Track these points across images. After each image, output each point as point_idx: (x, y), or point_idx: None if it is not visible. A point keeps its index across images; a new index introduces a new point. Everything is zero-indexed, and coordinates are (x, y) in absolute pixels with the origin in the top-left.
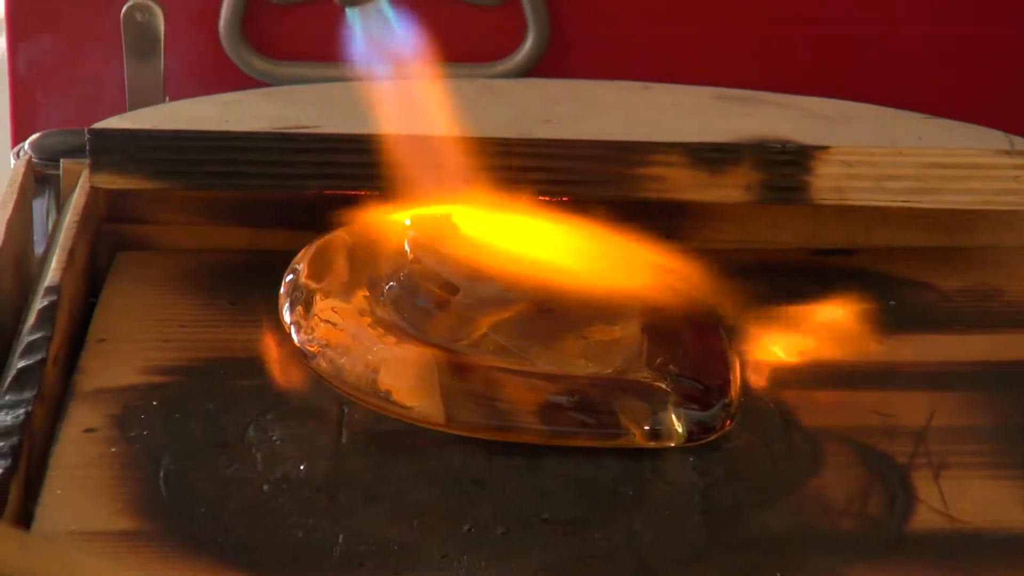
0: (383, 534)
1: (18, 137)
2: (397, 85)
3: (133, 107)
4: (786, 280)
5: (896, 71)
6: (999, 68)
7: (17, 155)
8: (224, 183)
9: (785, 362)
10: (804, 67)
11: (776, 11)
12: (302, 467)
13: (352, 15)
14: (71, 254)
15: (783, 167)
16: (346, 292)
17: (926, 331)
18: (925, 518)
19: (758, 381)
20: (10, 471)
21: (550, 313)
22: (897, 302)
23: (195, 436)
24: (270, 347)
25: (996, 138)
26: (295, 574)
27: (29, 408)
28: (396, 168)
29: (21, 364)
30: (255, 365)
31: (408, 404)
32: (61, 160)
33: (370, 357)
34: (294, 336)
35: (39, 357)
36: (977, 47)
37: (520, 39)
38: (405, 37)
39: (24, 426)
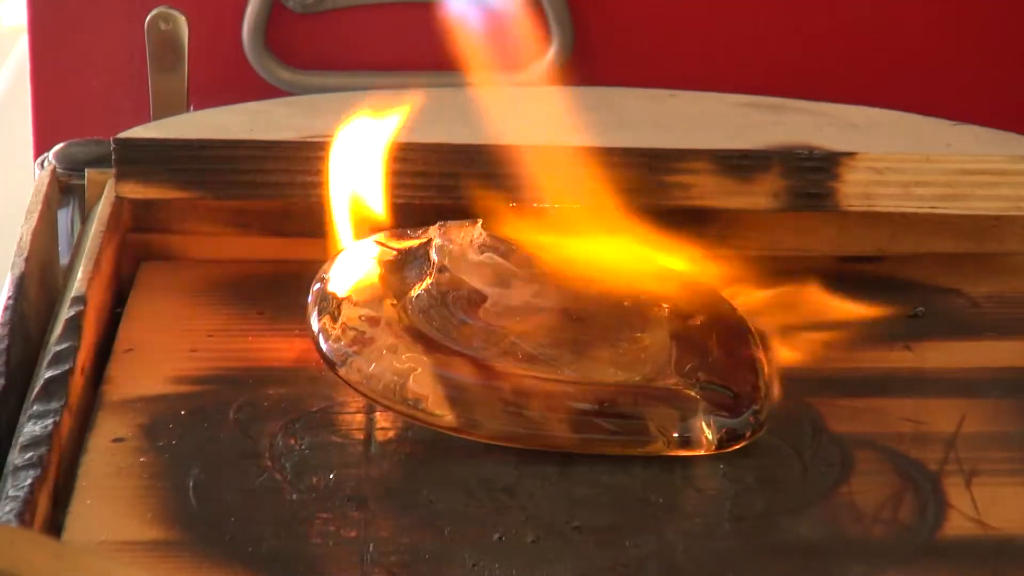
0: (413, 543)
1: (42, 147)
2: (421, 93)
3: (157, 117)
4: (814, 287)
5: (924, 77)
6: None
7: (41, 165)
8: (250, 192)
9: (814, 369)
10: (832, 74)
11: (803, 19)
12: (331, 476)
13: None
14: (97, 264)
15: (810, 174)
16: (374, 300)
17: (955, 338)
18: (957, 525)
19: (787, 388)
20: (39, 481)
21: (578, 321)
22: (925, 309)
23: (224, 446)
24: (298, 356)
25: (1023, 143)
26: None
27: (57, 418)
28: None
29: (49, 374)
30: (283, 374)
31: (437, 412)
32: (86, 170)
33: (399, 365)
34: (322, 345)
35: (67, 367)
36: (1006, 53)
37: (544, 47)
38: None
39: (52, 436)
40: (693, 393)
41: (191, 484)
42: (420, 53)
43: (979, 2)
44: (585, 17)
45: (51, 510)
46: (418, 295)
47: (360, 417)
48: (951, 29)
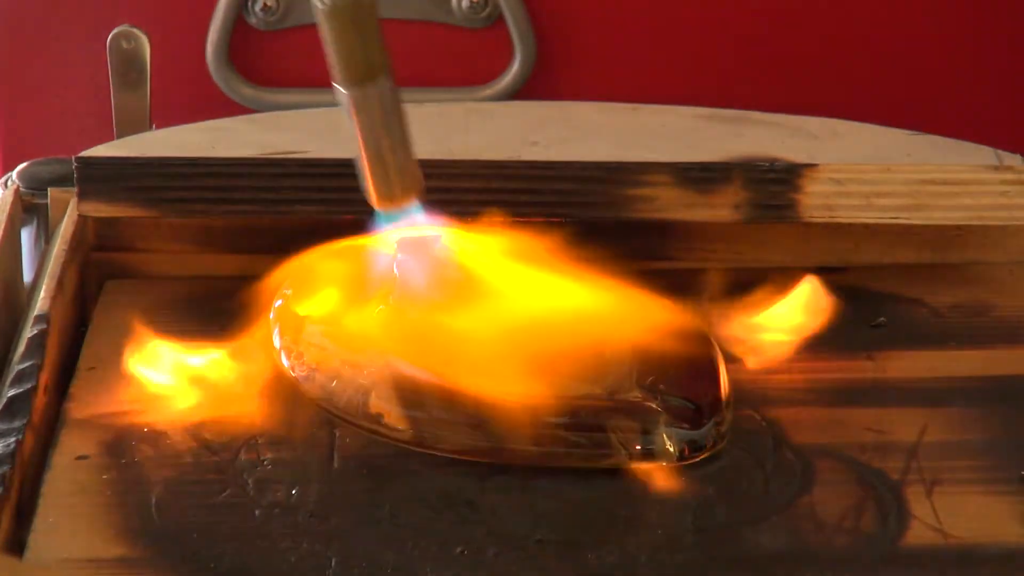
0: (376, 557)
1: (5, 166)
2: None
3: (120, 135)
4: (776, 299)
5: (882, 88)
6: (985, 83)
7: (5, 184)
8: (212, 210)
9: (776, 380)
10: (793, 85)
11: (761, 31)
12: (294, 491)
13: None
14: (60, 283)
15: (772, 185)
16: (335, 317)
17: (917, 347)
18: (919, 534)
19: (749, 399)
20: (2, 499)
21: (540, 336)
22: (888, 319)
23: (187, 462)
24: (260, 372)
25: (985, 154)
26: None
27: (20, 436)
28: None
29: (11, 392)
30: (246, 391)
31: (399, 427)
32: (49, 189)
33: (360, 381)
34: (284, 361)
35: (29, 385)
36: (964, 62)
37: (507, 62)
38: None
39: (15, 454)
40: (655, 406)
41: (154, 501)
42: None
43: (938, 15)
44: (547, 33)
45: (14, 528)
46: (379, 310)
47: (322, 433)
48: (907, 39)
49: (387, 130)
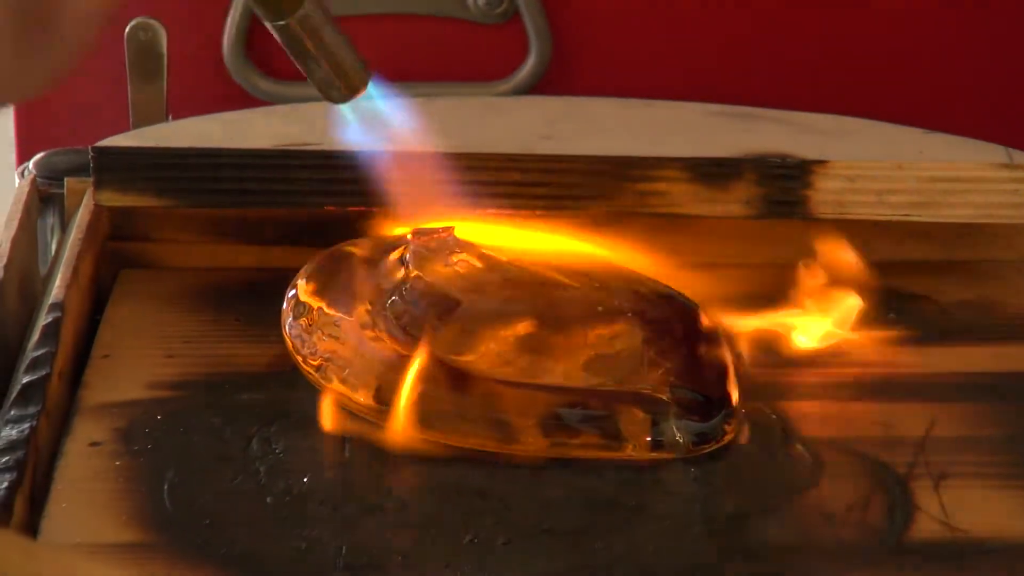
0: (386, 545)
1: (22, 157)
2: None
3: (136, 126)
4: (786, 293)
5: (896, 86)
6: (997, 82)
7: (22, 174)
8: (227, 200)
9: (786, 373)
10: (804, 83)
11: (776, 28)
12: (305, 479)
13: (346, 109)
14: (75, 271)
15: (783, 181)
16: (348, 306)
17: (926, 343)
18: (925, 527)
19: (758, 392)
20: (15, 484)
21: (551, 327)
22: (897, 315)
23: (199, 449)
24: (274, 362)
25: (996, 152)
26: None
27: (34, 422)
28: (398, 184)
29: (26, 379)
30: (259, 379)
31: (410, 416)
32: (65, 179)
33: (372, 370)
34: (297, 350)
35: (44, 372)
36: (976, 61)
37: (522, 58)
38: (401, 123)
39: (29, 440)
40: (664, 397)
41: (166, 487)
42: (398, 64)
43: (950, 12)
44: (563, 29)
45: (27, 513)
46: (392, 301)
47: (334, 422)
48: (920, 37)
49: (325, 42)
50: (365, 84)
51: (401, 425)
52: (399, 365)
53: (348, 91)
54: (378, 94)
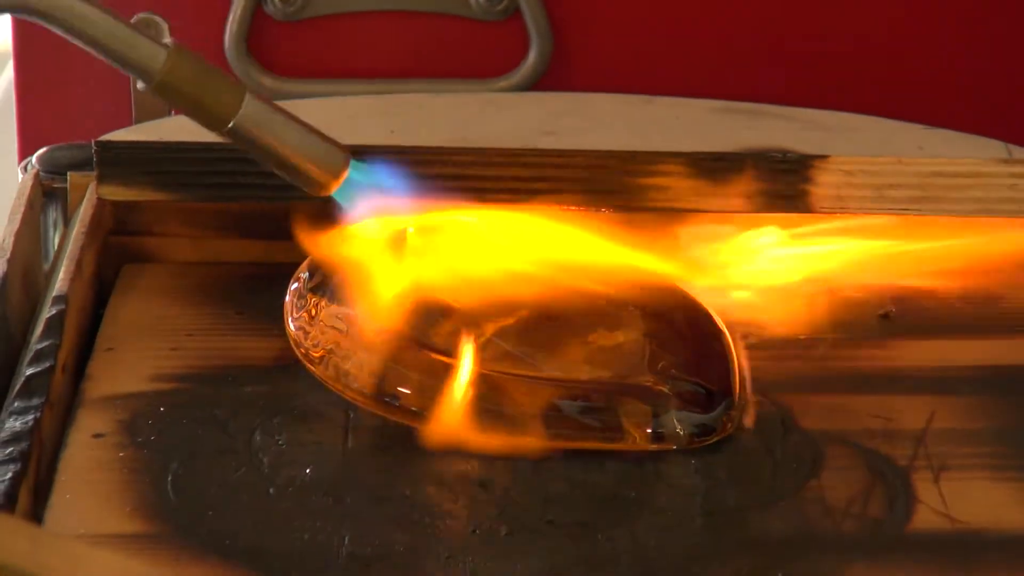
0: (389, 536)
1: (25, 151)
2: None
3: (139, 121)
4: (787, 286)
5: (897, 83)
6: (998, 79)
7: (25, 169)
8: (230, 195)
9: (786, 366)
10: (806, 80)
11: (778, 24)
12: (308, 471)
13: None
14: (78, 265)
15: (784, 176)
16: (350, 299)
17: (926, 336)
18: (925, 519)
19: (759, 385)
20: (20, 475)
21: (553, 319)
22: (897, 309)
23: (202, 441)
24: (276, 355)
25: (995, 147)
26: None
27: (38, 414)
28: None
29: (30, 371)
30: (261, 372)
31: (413, 409)
32: (68, 173)
33: (375, 363)
34: (300, 343)
35: (48, 364)
36: (976, 59)
37: (523, 54)
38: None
39: (33, 431)
40: (666, 389)
41: (170, 478)
42: (400, 60)
43: (950, 10)
44: (564, 26)
45: (31, 504)
46: (395, 293)
47: (337, 414)
48: (921, 34)
49: (278, 137)
50: (338, 174)
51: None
52: (401, 357)
53: (321, 187)
54: (363, 175)
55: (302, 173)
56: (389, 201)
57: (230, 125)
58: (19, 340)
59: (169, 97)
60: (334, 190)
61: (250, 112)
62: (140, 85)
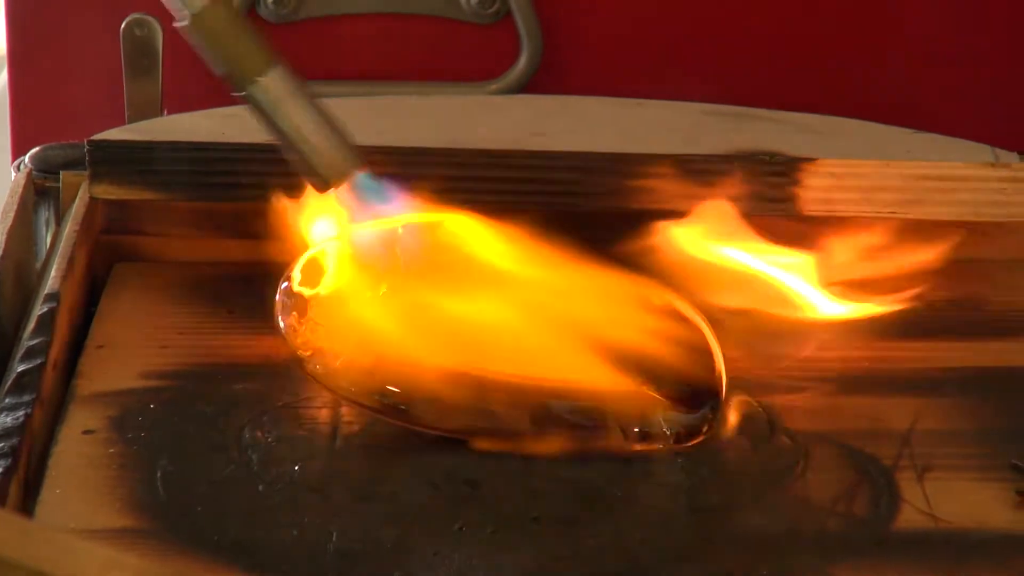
0: (376, 533)
1: (18, 151)
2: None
3: (132, 121)
4: (772, 288)
5: (886, 87)
6: (985, 84)
7: (17, 168)
8: (221, 194)
9: (772, 367)
10: (795, 83)
11: (767, 28)
12: (297, 468)
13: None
14: (70, 263)
15: (771, 178)
16: (339, 298)
17: (912, 339)
18: (909, 518)
19: (745, 385)
20: (10, 470)
21: (541, 319)
22: (884, 310)
23: (192, 438)
24: (266, 353)
25: (982, 151)
26: (290, 572)
27: (29, 410)
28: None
29: (21, 368)
30: (251, 370)
31: (401, 407)
32: (61, 173)
33: (363, 361)
34: (289, 341)
35: (39, 361)
36: (964, 64)
37: (514, 57)
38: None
39: (24, 427)
40: (652, 389)
41: (159, 475)
42: (393, 63)
43: (940, 14)
44: (554, 29)
45: (22, 498)
46: (383, 292)
47: (326, 411)
48: (912, 41)
49: (293, 119)
50: (342, 176)
51: None
52: (390, 356)
53: (321, 183)
54: (369, 185)
55: (307, 163)
56: (384, 215)
57: (248, 89)
58: (11, 337)
59: (201, 36)
60: (334, 190)
61: (273, 83)
62: (176, 21)
